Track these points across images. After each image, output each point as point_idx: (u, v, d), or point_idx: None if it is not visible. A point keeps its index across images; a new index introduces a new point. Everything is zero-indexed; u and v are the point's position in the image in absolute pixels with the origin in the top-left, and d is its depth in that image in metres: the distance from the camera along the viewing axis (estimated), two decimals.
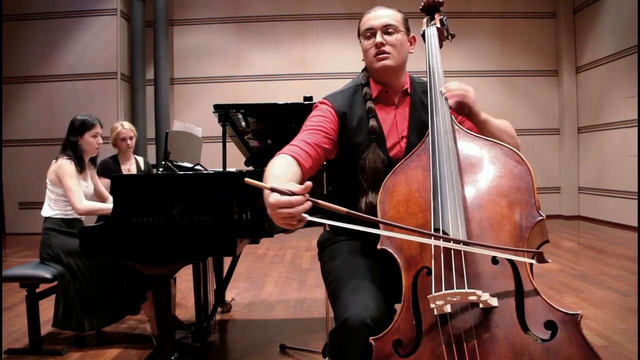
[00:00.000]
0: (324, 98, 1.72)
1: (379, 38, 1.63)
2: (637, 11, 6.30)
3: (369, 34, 1.65)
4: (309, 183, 1.20)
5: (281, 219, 1.19)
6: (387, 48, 1.63)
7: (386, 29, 1.64)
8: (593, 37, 7.88)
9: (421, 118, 1.65)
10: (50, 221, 2.95)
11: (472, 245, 1.26)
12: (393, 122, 1.67)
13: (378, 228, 1.35)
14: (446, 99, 1.54)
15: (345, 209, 1.20)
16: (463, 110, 1.56)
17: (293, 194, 1.17)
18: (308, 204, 1.19)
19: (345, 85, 1.77)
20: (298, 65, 8.50)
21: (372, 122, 1.63)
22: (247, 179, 1.19)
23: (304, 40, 8.54)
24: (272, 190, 1.18)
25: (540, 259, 1.24)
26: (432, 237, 1.30)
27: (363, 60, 1.73)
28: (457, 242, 1.27)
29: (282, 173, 1.38)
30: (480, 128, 1.57)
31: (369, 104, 1.66)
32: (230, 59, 8.55)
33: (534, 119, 8.58)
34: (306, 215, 1.20)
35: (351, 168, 1.63)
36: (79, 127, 2.99)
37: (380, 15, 1.65)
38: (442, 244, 1.28)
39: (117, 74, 7.85)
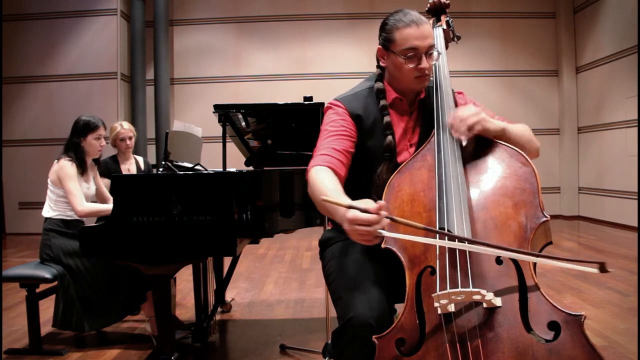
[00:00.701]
0: (336, 100, 1.65)
1: (425, 63, 1.53)
2: (637, 11, 6.29)
3: (412, 54, 1.53)
4: (382, 202, 1.22)
5: (359, 235, 1.21)
6: (428, 71, 1.56)
7: (429, 51, 1.54)
8: (593, 37, 7.88)
9: (432, 126, 1.59)
10: (50, 222, 2.94)
11: (519, 253, 1.24)
12: (405, 129, 1.64)
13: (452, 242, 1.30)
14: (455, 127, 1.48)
15: (421, 225, 1.23)
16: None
17: (368, 211, 1.19)
18: (386, 221, 1.21)
19: (357, 87, 1.71)
20: (298, 65, 8.50)
21: (389, 139, 1.59)
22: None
23: (304, 40, 8.53)
24: (350, 207, 1.21)
25: (603, 268, 1.16)
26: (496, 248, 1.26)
27: (384, 65, 1.64)
28: (502, 249, 1.25)
29: (336, 185, 1.41)
30: (499, 139, 1.51)
31: (387, 118, 1.60)
32: (230, 59, 8.54)
33: (534, 119, 8.57)
34: (382, 231, 1.21)
35: (361, 169, 1.61)
36: (82, 129, 2.97)
37: (426, 35, 1.53)
38: (495, 252, 1.25)
39: (117, 74, 7.84)
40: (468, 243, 1.26)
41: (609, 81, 7.47)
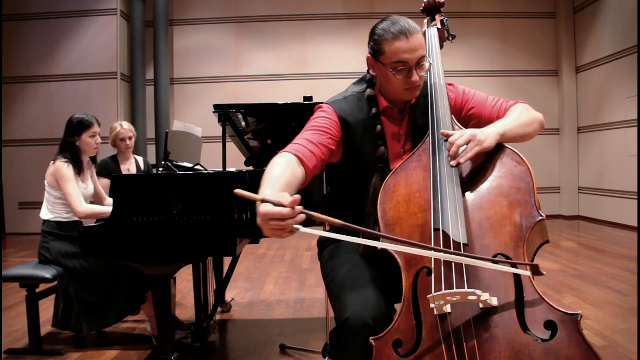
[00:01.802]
0: (326, 103, 1.63)
1: (415, 76, 1.49)
2: (637, 11, 6.29)
3: (401, 67, 1.48)
4: (297, 196, 1.17)
5: (271, 230, 1.17)
6: (418, 83, 1.52)
7: (419, 62, 1.49)
8: (593, 37, 7.88)
9: (425, 130, 1.57)
10: (48, 224, 2.92)
11: (466, 257, 1.23)
12: (397, 137, 1.63)
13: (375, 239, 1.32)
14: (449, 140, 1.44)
15: (340, 221, 1.19)
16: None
17: (282, 205, 1.14)
18: (301, 217, 1.17)
19: (347, 92, 1.68)
20: (298, 65, 8.50)
21: (382, 150, 1.57)
22: (237, 190, 1.17)
23: (304, 40, 8.54)
24: (264, 201, 1.16)
25: (536, 271, 1.22)
26: (432, 250, 1.27)
27: (374, 74, 1.60)
28: (451, 254, 1.24)
29: (280, 175, 1.34)
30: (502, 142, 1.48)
31: (379, 127, 1.59)
32: (230, 59, 8.55)
33: None
34: (298, 227, 1.17)
35: (354, 178, 1.60)
36: (76, 128, 2.93)
37: (415, 47, 1.46)
38: (440, 255, 1.26)
39: (117, 74, 7.85)
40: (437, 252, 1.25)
41: (609, 81, 7.47)
